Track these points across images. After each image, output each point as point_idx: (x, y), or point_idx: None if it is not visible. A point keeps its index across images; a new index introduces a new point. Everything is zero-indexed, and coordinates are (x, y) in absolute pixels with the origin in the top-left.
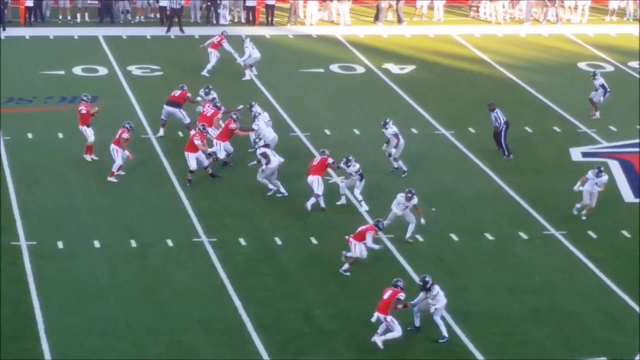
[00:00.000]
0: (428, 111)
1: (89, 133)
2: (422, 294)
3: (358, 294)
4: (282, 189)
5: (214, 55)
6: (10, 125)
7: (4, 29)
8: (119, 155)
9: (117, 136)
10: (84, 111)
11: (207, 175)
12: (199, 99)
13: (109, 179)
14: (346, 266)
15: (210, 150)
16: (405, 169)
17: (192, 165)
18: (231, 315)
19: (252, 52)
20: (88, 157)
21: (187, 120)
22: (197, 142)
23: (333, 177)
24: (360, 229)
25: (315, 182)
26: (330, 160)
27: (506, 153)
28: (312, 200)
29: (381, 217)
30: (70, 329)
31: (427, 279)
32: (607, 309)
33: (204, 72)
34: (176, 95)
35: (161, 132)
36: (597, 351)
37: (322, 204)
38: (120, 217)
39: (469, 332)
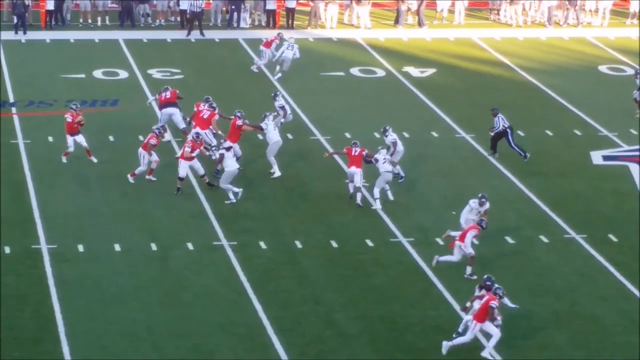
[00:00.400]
0: (449, 115)
1: (71, 142)
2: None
3: (378, 296)
4: (232, 197)
5: (265, 54)
6: (30, 128)
7: (24, 33)
8: (145, 160)
9: (146, 141)
10: (69, 119)
11: (205, 184)
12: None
13: (129, 178)
14: (469, 270)
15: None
16: (402, 174)
17: (182, 172)
18: (251, 319)
19: (285, 52)
20: (64, 159)
21: (183, 125)
22: (188, 149)
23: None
24: (462, 232)
25: (358, 175)
26: (365, 151)
27: (523, 153)
28: (356, 191)
29: (401, 217)
30: (91, 332)
31: (491, 280)
32: (628, 313)
33: (253, 68)
34: (167, 96)
35: (167, 136)
36: (618, 355)
37: (359, 200)
38: (140, 221)
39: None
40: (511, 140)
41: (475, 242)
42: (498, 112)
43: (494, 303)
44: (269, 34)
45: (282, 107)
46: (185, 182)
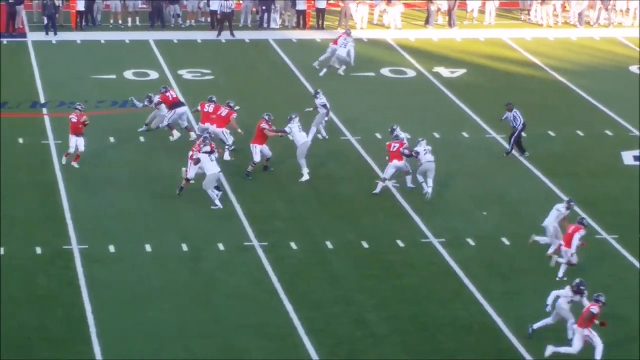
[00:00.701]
0: (479, 115)
1: (73, 143)
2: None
3: (409, 297)
4: (218, 203)
5: (329, 51)
6: (61, 129)
7: (55, 33)
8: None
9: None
10: (74, 120)
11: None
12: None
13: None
14: (561, 272)
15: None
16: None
17: (191, 174)
18: (282, 319)
19: (338, 50)
20: (75, 164)
21: (186, 123)
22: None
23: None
24: (566, 235)
25: (402, 164)
26: (405, 144)
27: (519, 151)
28: (409, 177)
29: (432, 217)
30: (122, 332)
31: (583, 284)
32: None
33: (315, 64)
34: (174, 95)
35: (176, 134)
36: None
37: (410, 182)
38: (171, 221)
39: (521, 336)
40: (517, 136)
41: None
42: (513, 107)
43: (594, 309)
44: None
45: (324, 105)
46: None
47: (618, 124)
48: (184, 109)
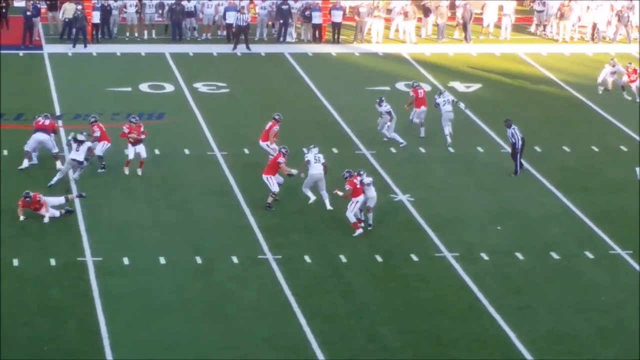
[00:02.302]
0: (494, 130)
1: (131, 151)
2: None
3: (422, 311)
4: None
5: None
6: None
7: (74, 46)
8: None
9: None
10: (125, 131)
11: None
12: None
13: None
14: None
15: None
16: (402, 140)
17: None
18: (296, 332)
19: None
20: (139, 171)
21: (56, 149)
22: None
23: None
24: None
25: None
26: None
27: (518, 169)
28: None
29: (446, 232)
30: (136, 344)
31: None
32: None
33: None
34: (46, 123)
35: (25, 163)
36: None
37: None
38: (185, 233)
39: (535, 351)
40: (520, 153)
41: None
42: (512, 123)
43: None
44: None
45: (389, 112)
46: (229, 195)
47: (633, 139)
48: (42, 136)
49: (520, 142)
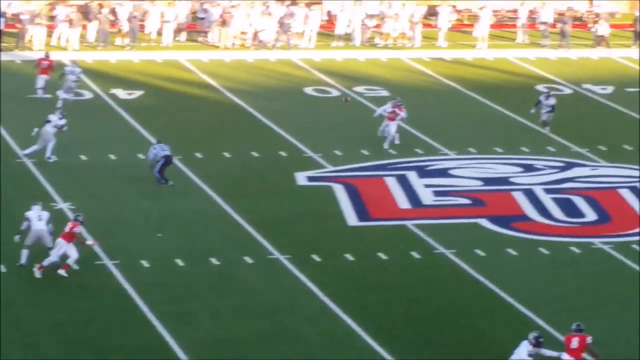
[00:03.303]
0: (155, 136)
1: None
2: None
3: (82, 319)
4: None
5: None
6: None
7: None
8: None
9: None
10: None
11: None
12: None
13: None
14: None
15: None
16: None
17: None
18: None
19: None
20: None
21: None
22: None
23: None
24: None
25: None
26: None
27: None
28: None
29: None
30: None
31: (541, 338)
32: (330, 331)
33: None
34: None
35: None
36: None
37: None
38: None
39: (194, 355)
40: (161, 168)
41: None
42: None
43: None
44: None
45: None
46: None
47: (292, 145)
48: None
49: (162, 159)
